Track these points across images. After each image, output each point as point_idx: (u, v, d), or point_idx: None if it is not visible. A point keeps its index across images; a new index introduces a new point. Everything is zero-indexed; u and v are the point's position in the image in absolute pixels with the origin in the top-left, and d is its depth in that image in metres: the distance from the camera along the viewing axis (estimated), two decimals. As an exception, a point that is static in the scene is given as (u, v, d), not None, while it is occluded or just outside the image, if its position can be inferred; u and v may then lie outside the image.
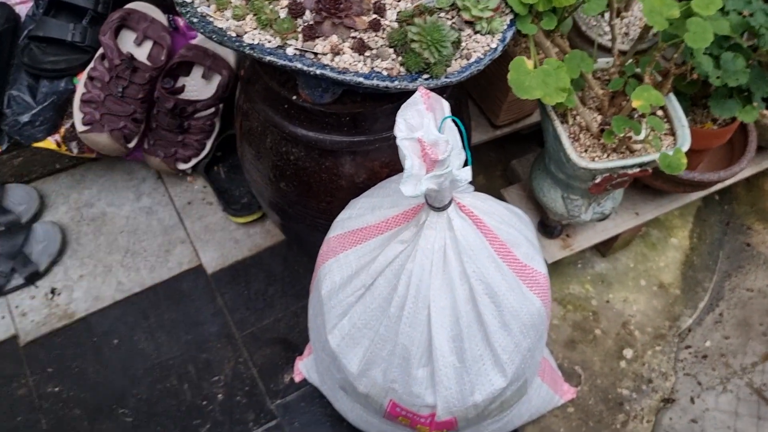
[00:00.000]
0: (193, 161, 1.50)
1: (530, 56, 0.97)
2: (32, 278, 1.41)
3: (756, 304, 1.50)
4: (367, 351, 0.96)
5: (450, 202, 0.85)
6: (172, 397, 1.30)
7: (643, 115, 1.13)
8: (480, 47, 0.90)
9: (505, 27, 0.93)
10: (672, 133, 1.14)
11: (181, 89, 1.43)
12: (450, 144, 0.75)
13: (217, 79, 1.43)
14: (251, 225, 1.51)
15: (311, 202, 1.12)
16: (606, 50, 1.29)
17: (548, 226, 1.37)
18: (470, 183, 1.03)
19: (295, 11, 0.85)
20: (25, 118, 1.35)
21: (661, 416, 1.34)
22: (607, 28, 1.34)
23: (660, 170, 1.29)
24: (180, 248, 1.48)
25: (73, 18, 1.40)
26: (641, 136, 1.10)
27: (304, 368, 1.28)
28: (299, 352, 1.33)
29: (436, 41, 0.83)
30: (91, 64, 1.37)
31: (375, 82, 0.85)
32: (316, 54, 0.85)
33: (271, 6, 0.85)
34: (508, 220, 0.96)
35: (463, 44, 0.89)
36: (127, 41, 1.39)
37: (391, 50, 0.87)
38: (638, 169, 1.12)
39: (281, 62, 0.84)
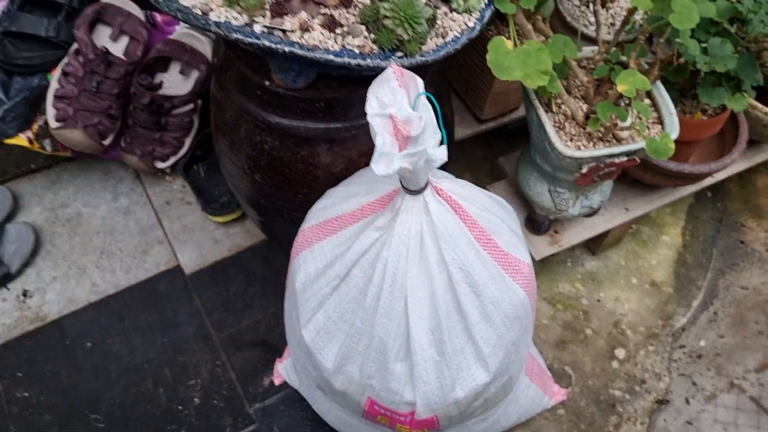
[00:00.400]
0: (172, 159, 1.46)
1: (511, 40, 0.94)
2: (3, 280, 1.36)
3: (751, 302, 1.46)
4: (343, 345, 0.91)
5: (426, 185, 0.81)
6: (147, 401, 1.25)
7: (629, 103, 1.10)
8: (457, 26, 0.87)
9: (483, 5, 0.90)
10: (660, 121, 1.11)
11: (159, 85, 1.39)
12: (423, 120, 0.72)
13: (195, 75, 1.40)
14: (231, 224, 1.47)
15: (287, 195, 1.08)
16: (591, 41, 1.26)
17: (535, 222, 1.33)
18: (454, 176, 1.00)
19: (263, -13, 0.81)
20: (-5, 113, 1.31)
21: (655, 418, 1.29)
22: (593, 19, 1.31)
23: (649, 163, 1.27)
24: (157, 249, 1.43)
25: (48, 13, 1.37)
26: (627, 123, 1.07)
27: (283, 370, 1.23)
28: (279, 354, 1.29)
29: (409, 17, 0.80)
30: (65, 59, 1.33)
31: (346, 59, 0.82)
32: (284, 31, 0.81)
33: (237, -18, 0.82)
34: (489, 207, 0.92)
35: (439, 22, 0.86)
36: (103, 36, 1.35)
37: (363, 27, 0.83)
38: (625, 158, 1.09)
39: (248, 40, 0.81)
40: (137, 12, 1.39)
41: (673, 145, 0.98)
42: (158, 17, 1.43)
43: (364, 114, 0.97)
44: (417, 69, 0.87)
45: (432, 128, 0.75)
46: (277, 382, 1.26)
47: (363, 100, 0.96)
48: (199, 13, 0.82)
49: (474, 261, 0.85)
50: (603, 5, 1.31)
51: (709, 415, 1.30)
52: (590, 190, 1.21)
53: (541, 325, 1.38)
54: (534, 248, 1.32)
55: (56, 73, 1.34)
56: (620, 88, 0.98)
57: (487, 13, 0.90)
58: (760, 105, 1.30)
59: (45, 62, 1.37)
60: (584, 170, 1.09)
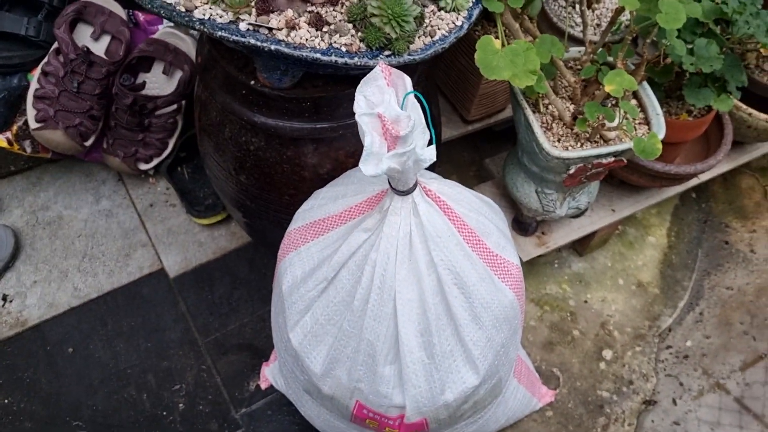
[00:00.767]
0: (155, 161, 1.44)
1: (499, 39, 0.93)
2: (-18, 285, 1.33)
3: (736, 302, 1.46)
4: (331, 349, 0.90)
5: (415, 186, 0.80)
6: (130, 407, 1.23)
7: (616, 103, 1.10)
8: (445, 25, 0.86)
9: (471, 4, 0.89)
10: (647, 122, 1.11)
11: (142, 85, 1.37)
12: (412, 119, 0.71)
13: (178, 75, 1.38)
14: (216, 227, 1.45)
15: (273, 196, 1.07)
16: (578, 42, 1.26)
17: (523, 223, 1.32)
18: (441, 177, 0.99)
19: (248, -16, 0.80)
20: (-27, 114, 1.29)
21: (642, 419, 1.29)
22: (579, 20, 1.31)
23: (635, 164, 1.27)
24: (141, 252, 1.41)
25: (27, 12, 1.35)
26: (615, 123, 1.07)
27: (270, 374, 1.22)
28: (265, 358, 1.27)
29: (397, 15, 0.79)
30: (46, 59, 1.31)
31: (333, 58, 0.80)
32: (270, 29, 0.80)
33: (222, -21, 0.81)
34: (477, 208, 0.92)
35: (427, 21, 0.85)
36: (84, 35, 1.33)
37: (350, 25, 0.82)
38: (612, 159, 1.08)
39: (233, 38, 0.79)
40: (119, 11, 1.37)
41: (660, 145, 0.98)
42: (141, 16, 1.41)
43: (352, 114, 0.96)
44: (405, 69, 0.87)
45: (421, 128, 0.74)
46: (263, 386, 1.24)
47: (350, 99, 0.96)
48: (183, 10, 0.80)
49: (463, 262, 0.84)
50: (589, 6, 1.31)
51: (696, 415, 1.30)
52: (577, 191, 1.20)
53: (529, 326, 1.37)
54: (521, 249, 1.32)
55: (36, 73, 1.32)
56: (608, 88, 0.98)
57: (475, 12, 0.89)
58: (744, 106, 1.31)
59: (25, 62, 1.35)
60: (572, 171, 1.09)
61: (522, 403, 1.17)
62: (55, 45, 1.30)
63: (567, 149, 1.07)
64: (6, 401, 1.22)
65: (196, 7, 0.80)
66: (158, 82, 1.38)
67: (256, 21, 0.79)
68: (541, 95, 1.10)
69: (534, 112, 1.09)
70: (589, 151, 1.06)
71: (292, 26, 0.80)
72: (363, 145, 0.72)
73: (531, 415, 1.25)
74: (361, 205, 0.87)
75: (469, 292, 0.85)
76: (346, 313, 0.87)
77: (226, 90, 0.98)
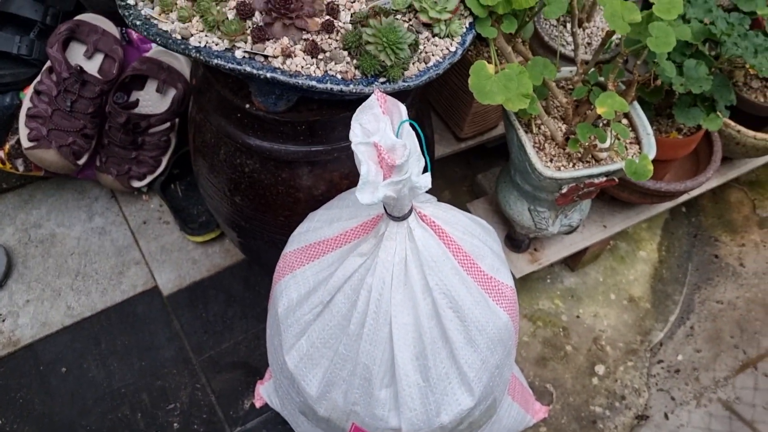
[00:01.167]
0: (148, 179, 1.44)
1: (492, 63, 0.95)
2: (-26, 304, 1.33)
3: (726, 316, 1.48)
4: (327, 372, 0.90)
5: (410, 212, 0.81)
6: (125, 427, 1.22)
7: (607, 123, 1.11)
8: (439, 51, 0.87)
9: (465, 30, 0.90)
10: (637, 141, 1.12)
11: (135, 104, 1.37)
12: (408, 148, 0.71)
13: (172, 93, 1.38)
14: (210, 244, 1.45)
15: (268, 217, 1.07)
16: (569, 60, 1.27)
17: (515, 240, 1.33)
18: (434, 197, 1.00)
19: (244, 12, 0.80)
20: (-35, 134, 1.28)
21: (635, 434, 1.30)
22: (570, 39, 1.33)
23: (627, 181, 1.28)
24: (134, 270, 1.41)
25: (19, 30, 1.35)
26: (606, 144, 1.08)
27: (265, 393, 1.22)
28: (260, 376, 1.27)
29: (392, 43, 0.80)
30: (38, 78, 1.31)
31: (329, 85, 0.81)
32: (266, 57, 0.80)
33: (218, 7, 0.81)
34: (472, 230, 0.92)
35: (421, 47, 0.86)
36: (77, 54, 1.33)
37: (346, 53, 0.83)
38: (604, 179, 1.10)
39: (229, 65, 0.80)
40: (112, 29, 1.37)
41: (651, 167, 1.00)
42: (134, 35, 1.41)
43: (346, 136, 0.97)
44: (399, 92, 0.88)
45: (416, 155, 0.75)
46: (258, 404, 1.24)
47: (344, 122, 0.97)
48: (179, 38, 0.81)
49: (458, 286, 0.85)
50: (579, 25, 1.33)
51: (688, 430, 1.31)
52: (570, 209, 1.22)
53: (522, 342, 1.38)
54: (514, 266, 1.32)
55: (29, 92, 1.31)
56: (599, 110, 0.99)
57: (469, 38, 0.90)
58: (733, 123, 1.33)
59: (17, 80, 1.34)
60: (564, 190, 1.10)
61: (516, 420, 1.17)
62: (48, 64, 1.30)
63: (559, 169, 1.08)
64: (-1, 422, 1.21)
65: (192, 35, 0.81)
66: (152, 100, 1.38)
67: (251, 49, 0.80)
68: (533, 116, 1.11)
69: (526, 132, 1.10)
70: (582, 171, 1.07)
71: (287, 54, 0.80)
72: (357, 167, 0.73)
73: (524, 431, 1.26)
74: (356, 229, 0.88)
75: (464, 315, 0.86)
76: (342, 336, 0.87)
77: (220, 113, 0.99)
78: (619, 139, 1.08)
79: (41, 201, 1.49)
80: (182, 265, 1.42)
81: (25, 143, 1.29)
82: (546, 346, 1.39)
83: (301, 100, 0.93)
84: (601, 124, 1.13)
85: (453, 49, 0.88)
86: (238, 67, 0.80)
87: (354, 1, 0.86)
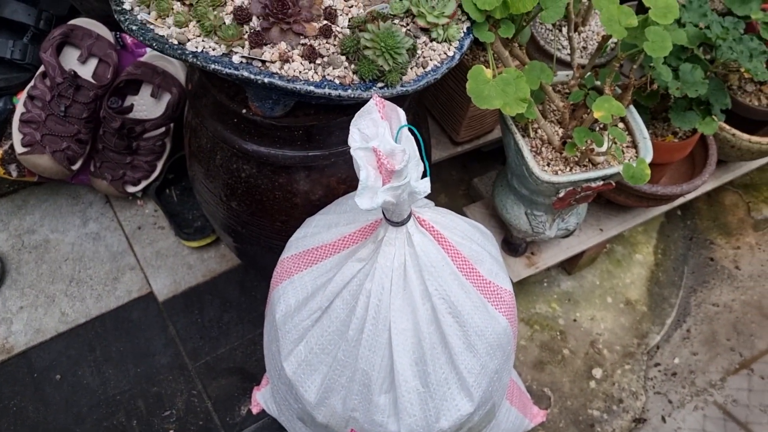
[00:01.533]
0: (143, 184, 1.43)
1: (489, 67, 0.94)
2: (-33, 311, 1.31)
3: (722, 319, 1.48)
4: (326, 378, 0.89)
5: (409, 217, 0.81)
6: (120, 435, 1.22)
7: (604, 127, 1.11)
8: (436, 55, 0.87)
9: (462, 34, 0.90)
10: (634, 145, 1.13)
11: (129, 108, 1.36)
12: (407, 153, 0.71)
13: (167, 98, 1.37)
14: (205, 249, 1.44)
15: (265, 222, 1.07)
16: (565, 64, 1.28)
17: (512, 244, 1.33)
18: (431, 201, 1.00)
19: (241, 17, 0.80)
20: (-42, 139, 1.27)
21: (632, 437, 1.30)
22: (566, 43, 1.33)
23: (623, 185, 1.28)
24: (129, 275, 1.40)
25: (12, 35, 1.34)
26: (603, 148, 1.08)
27: (261, 399, 1.21)
28: (257, 382, 1.26)
29: (390, 48, 0.80)
30: (32, 83, 1.30)
31: (327, 90, 0.81)
32: (263, 62, 0.80)
33: (215, 12, 0.80)
34: (470, 235, 0.92)
35: (419, 52, 0.86)
36: (71, 59, 1.32)
37: (344, 58, 0.82)
38: (602, 183, 1.10)
39: (226, 71, 0.79)
40: (106, 34, 1.36)
41: (648, 171, 1.00)
42: (128, 39, 1.41)
43: (344, 141, 0.97)
44: (397, 97, 0.87)
45: (415, 160, 0.75)
46: (254, 410, 1.23)
47: (342, 127, 0.96)
48: (176, 43, 0.80)
49: (457, 291, 0.84)
50: (575, 29, 1.33)
51: (685, 433, 1.31)
52: (566, 212, 1.22)
53: (520, 346, 1.38)
54: (511, 270, 1.32)
55: (22, 97, 1.31)
56: (596, 114, 0.99)
57: (466, 42, 0.90)
58: (728, 127, 1.33)
59: (10, 85, 1.34)
60: (561, 194, 1.10)
61: (514, 424, 1.17)
62: (42, 68, 1.29)
63: (557, 173, 1.08)
64: (-8, 430, 1.20)
65: (188, 40, 0.80)
66: (146, 105, 1.38)
67: (249, 54, 0.80)
68: (530, 120, 1.11)
69: (524, 136, 1.10)
70: (579, 175, 1.07)
71: (285, 59, 0.80)
72: (354, 171, 0.72)
73: (523, 435, 1.26)
74: (354, 234, 0.87)
75: (463, 320, 0.86)
76: (341, 342, 0.87)
77: (217, 118, 0.98)
78: (616, 143, 1.09)
79: (35, 206, 1.47)
80: (177, 270, 1.41)
81: (19, 148, 1.28)
82: (543, 350, 1.38)
83: (298, 105, 0.93)
84: (597, 128, 1.13)
85: (451, 53, 0.88)
86: (236, 72, 0.79)
87: (352, 6, 0.86)
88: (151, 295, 1.38)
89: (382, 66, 0.81)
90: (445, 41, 0.88)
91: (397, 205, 0.76)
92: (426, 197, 0.96)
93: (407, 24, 0.87)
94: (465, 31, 0.91)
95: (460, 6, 0.90)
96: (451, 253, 0.85)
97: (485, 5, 0.89)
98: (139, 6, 0.83)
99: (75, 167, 1.34)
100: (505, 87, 0.91)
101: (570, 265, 1.48)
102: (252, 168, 1.00)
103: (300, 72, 0.81)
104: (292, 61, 0.81)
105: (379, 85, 0.83)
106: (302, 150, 0.96)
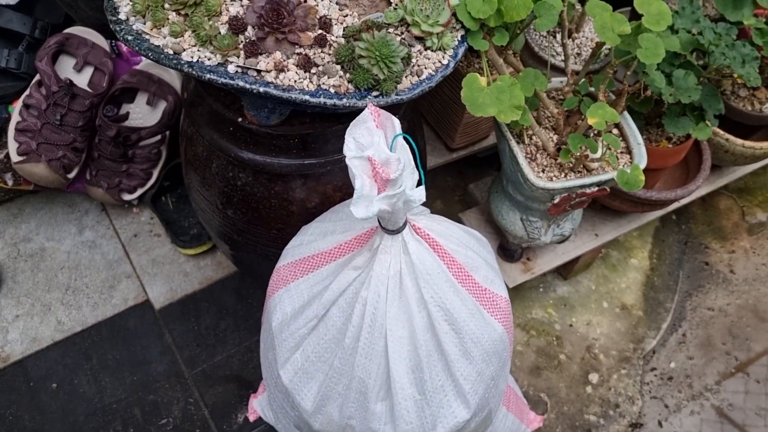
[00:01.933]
0: (139, 191, 1.43)
1: (484, 75, 0.95)
2: (-38, 320, 1.31)
3: (717, 323, 1.49)
4: (322, 386, 0.90)
5: (404, 225, 0.81)
6: (116, 443, 1.21)
7: (599, 134, 1.12)
8: (431, 64, 0.87)
9: (457, 43, 0.90)
10: (628, 151, 1.13)
11: (125, 116, 1.36)
12: (402, 162, 0.72)
13: (162, 106, 1.37)
14: (201, 257, 1.44)
15: (261, 230, 1.07)
16: (559, 71, 1.28)
17: (508, 250, 1.34)
18: (427, 207, 1.00)
19: (236, 27, 0.80)
20: (-46, 148, 1.27)
21: (629, 442, 1.31)
22: (560, 49, 1.34)
23: (618, 190, 1.29)
24: (125, 283, 1.40)
25: (8, 44, 1.34)
26: (598, 155, 1.09)
27: (258, 406, 1.21)
28: (253, 390, 1.26)
29: (385, 57, 0.80)
30: (27, 92, 1.30)
31: (322, 100, 0.81)
32: (259, 71, 0.80)
33: (210, 22, 0.81)
34: (466, 242, 0.92)
35: (414, 60, 0.86)
36: (66, 67, 1.32)
37: (339, 67, 0.83)
38: (596, 188, 1.10)
39: (222, 80, 0.80)
40: (102, 42, 1.37)
41: (643, 177, 1.00)
42: (124, 47, 1.41)
43: (339, 149, 0.97)
44: (391, 106, 0.88)
45: (410, 169, 0.75)
46: (251, 418, 1.23)
47: (337, 135, 0.97)
48: (171, 53, 0.80)
49: (453, 299, 0.85)
50: (569, 36, 1.34)
51: (682, 437, 1.32)
52: (562, 218, 1.22)
53: (516, 351, 1.38)
54: (507, 276, 1.33)
55: (18, 106, 1.31)
56: (590, 121, 0.99)
57: (461, 51, 0.90)
58: (722, 132, 1.34)
59: (6, 94, 1.34)
60: (556, 200, 1.11)
61: (511, 430, 1.17)
62: (37, 77, 1.29)
63: (551, 179, 1.09)
64: (-12, 440, 1.20)
65: (184, 50, 0.80)
66: (142, 113, 1.38)
67: (244, 63, 0.80)
68: (525, 126, 1.11)
69: (518, 143, 1.11)
70: (574, 181, 1.07)
71: (280, 68, 0.80)
72: (351, 181, 0.73)
73: (520, 441, 1.26)
74: (350, 242, 0.87)
75: (459, 327, 0.86)
76: (337, 350, 0.87)
77: (212, 126, 0.98)
78: (610, 149, 1.09)
79: (30, 215, 1.47)
80: (174, 278, 1.41)
81: (15, 157, 1.28)
82: (540, 356, 1.39)
83: (294, 114, 0.93)
84: (592, 134, 1.14)
85: (445, 61, 0.89)
86: (231, 81, 0.80)
87: (347, 15, 0.87)
88: (148, 302, 1.37)
89: (377, 75, 0.81)
90: (440, 50, 0.88)
91: (392, 214, 0.76)
92: (422, 204, 0.96)
93: (402, 33, 0.88)
94: (459, 39, 0.91)
95: (454, 14, 0.91)
96: (447, 261, 0.86)
97: (479, 14, 0.89)
98: (134, 16, 0.83)
99: (71, 176, 1.34)
100: (500, 95, 0.91)
101: (566, 270, 1.48)
102: (248, 176, 1.00)
103: (295, 81, 0.81)
104: (288, 71, 0.81)
105: (374, 93, 0.84)
106: (298, 158, 0.96)
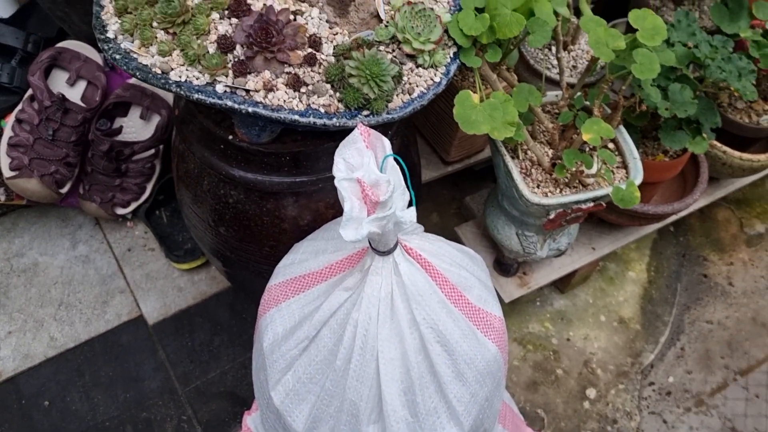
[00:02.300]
0: (133, 206, 1.42)
1: (477, 90, 0.94)
2: (-46, 337, 1.30)
3: (716, 336, 1.48)
4: (314, 408, 0.88)
5: (396, 246, 0.80)
6: (109, 462, 1.20)
7: (594, 148, 1.11)
8: (423, 81, 0.86)
9: (449, 60, 0.89)
10: (624, 165, 1.12)
11: (118, 131, 1.36)
12: (392, 184, 0.71)
13: (156, 120, 1.37)
14: (196, 271, 1.43)
15: (253, 248, 1.06)
16: (555, 83, 1.27)
17: (504, 264, 1.33)
18: (420, 224, 0.99)
19: (225, 46, 0.79)
20: (-55, 163, 1.26)
21: (627, 458, 1.29)
22: (555, 62, 1.33)
23: (614, 204, 1.28)
24: (119, 298, 1.39)
25: (0, 58, 1.33)
26: (593, 170, 1.08)
27: (252, 423, 1.19)
28: (247, 406, 1.25)
29: (375, 75, 0.79)
30: (20, 106, 1.29)
31: (312, 119, 0.80)
32: (247, 91, 0.79)
33: (199, 41, 0.80)
34: (459, 261, 0.91)
35: (405, 78, 0.85)
36: (59, 81, 1.32)
37: (329, 86, 0.82)
38: (592, 204, 1.09)
39: (210, 100, 0.79)
40: (95, 56, 1.36)
41: (638, 194, 0.99)
42: (117, 61, 1.40)
43: (331, 166, 0.95)
44: (383, 124, 0.87)
45: (400, 190, 0.74)
46: (245, 436, 1.22)
47: (329, 152, 0.96)
48: (159, 72, 0.80)
49: (445, 320, 0.84)
50: (564, 48, 1.33)
51: (681, 453, 1.30)
52: (558, 233, 1.21)
53: (512, 366, 1.37)
54: (503, 291, 1.31)
55: (10, 120, 1.30)
56: (585, 137, 0.98)
57: (453, 68, 0.89)
58: (719, 144, 1.33)
59: (-2, 109, 1.33)
60: (552, 216, 1.09)
61: (507, 447, 1.16)
62: (30, 92, 1.29)
63: (547, 195, 1.08)
64: (-21, 459, 1.19)
65: (172, 69, 0.80)
66: (135, 127, 1.37)
67: (233, 83, 0.79)
68: (519, 141, 1.10)
69: (513, 158, 1.10)
70: (569, 197, 1.06)
71: (269, 88, 0.79)
72: (341, 203, 0.72)
73: (516, 458, 1.24)
74: (341, 262, 0.86)
75: (452, 348, 0.85)
76: (329, 372, 0.86)
77: (203, 144, 0.97)
78: (605, 164, 1.08)
79: (24, 229, 1.46)
80: (168, 293, 1.40)
81: (7, 173, 1.28)
82: (536, 371, 1.37)
83: (285, 131, 0.92)
84: (587, 149, 1.12)
85: (437, 79, 0.88)
86: (219, 101, 0.79)
87: (337, 33, 0.86)
88: (141, 318, 1.36)
89: (367, 94, 0.80)
90: (432, 67, 0.87)
91: (382, 236, 0.75)
92: (417, 217, 0.95)
93: (393, 50, 0.87)
94: (451, 56, 0.90)
95: (446, 31, 0.90)
96: (439, 281, 0.85)
97: (471, 31, 0.88)
98: (122, 35, 0.82)
99: (63, 191, 1.33)
100: (493, 112, 0.90)
101: (563, 284, 1.47)
102: (239, 194, 0.99)
103: (284, 101, 0.80)
104: (277, 90, 0.80)
105: (365, 113, 0.83)
106: (290, 176, 0.95)
